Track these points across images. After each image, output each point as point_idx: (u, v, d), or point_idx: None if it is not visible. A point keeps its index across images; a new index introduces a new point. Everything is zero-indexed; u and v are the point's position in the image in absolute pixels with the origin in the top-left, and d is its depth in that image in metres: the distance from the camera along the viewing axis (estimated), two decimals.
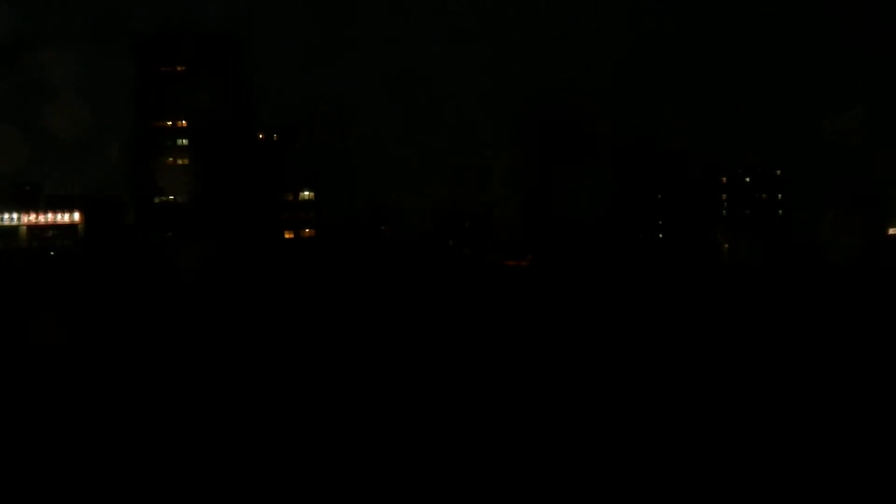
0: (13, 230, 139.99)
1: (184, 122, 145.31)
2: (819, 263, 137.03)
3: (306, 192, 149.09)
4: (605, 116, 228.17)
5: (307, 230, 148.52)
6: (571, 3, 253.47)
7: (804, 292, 70.50)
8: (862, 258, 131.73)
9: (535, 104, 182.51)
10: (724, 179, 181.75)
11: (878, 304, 47.66)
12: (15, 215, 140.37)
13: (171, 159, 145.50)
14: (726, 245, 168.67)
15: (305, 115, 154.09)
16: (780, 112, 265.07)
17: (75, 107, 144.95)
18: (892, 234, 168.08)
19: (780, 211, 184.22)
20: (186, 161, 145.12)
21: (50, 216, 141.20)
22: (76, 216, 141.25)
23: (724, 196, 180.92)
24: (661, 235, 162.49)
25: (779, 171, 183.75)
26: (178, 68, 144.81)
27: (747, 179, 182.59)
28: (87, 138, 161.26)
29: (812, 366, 26.62)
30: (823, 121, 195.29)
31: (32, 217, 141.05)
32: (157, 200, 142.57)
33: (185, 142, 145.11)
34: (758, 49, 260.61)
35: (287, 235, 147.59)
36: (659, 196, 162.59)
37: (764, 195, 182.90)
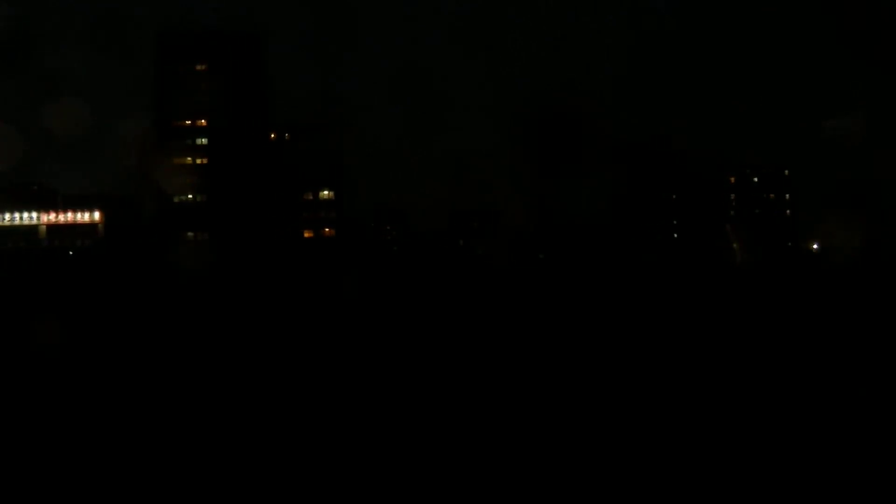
0: (33, 229, 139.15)
1: (203, 121, 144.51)
2: (820, 263, 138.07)
3: (325, 192, 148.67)
4: (614, 117, 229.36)
5: (327, 229, 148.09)
6: (576, 3, 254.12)
7: (809, 292, 70.96)
8: (863, 259, 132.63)
9: (542, 105, 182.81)
10: (733, 179, 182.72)
11: (879, 305, 48.11)
12: (34, 214, 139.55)
13: (189, 158, 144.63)
14: (736, 245, 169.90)
15: (309, 115, 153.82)
16: (781, 113, 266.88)
17: (84, 106, 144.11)
18: None
19: (788, 211, 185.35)
20: (206, 160, 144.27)
21: (70, 215, 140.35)
22: (96, 215, 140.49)
23: (732, 196, 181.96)
24: (676, 235, 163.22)
25: (786, 171, 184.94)
26: (198, 67, 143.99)
27: (755, 179, 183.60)
28: (96, 137, 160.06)
29: (819, 366, 26.80)
30: (824, 122, 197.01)
31: (52, 216, 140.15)
32: (176, 200, 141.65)
33: (204, 141, 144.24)
34: (759, 49, 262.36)
35: (307, 234, 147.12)
36: (674, 196, 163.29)
37: (772, 195, 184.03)
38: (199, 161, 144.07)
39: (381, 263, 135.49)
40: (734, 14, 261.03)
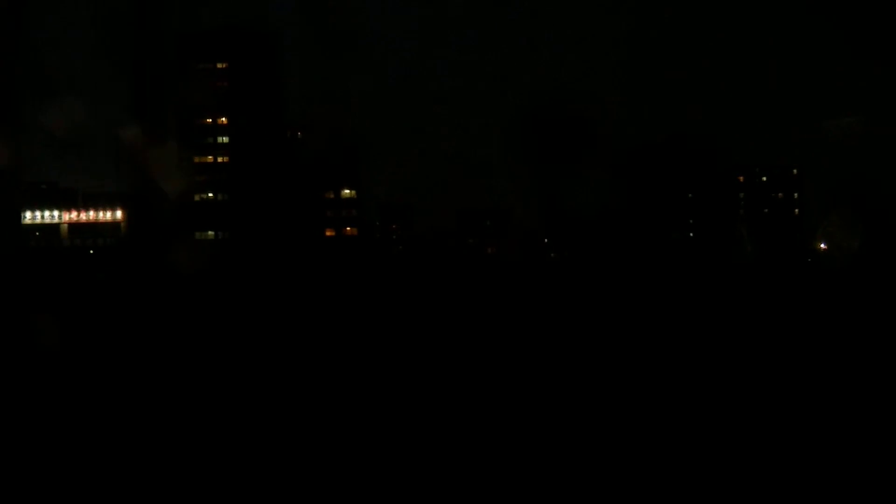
0: (54, 228, 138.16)
1: (223, 119, 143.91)
2: (828, 263, 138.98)
3: (347, 191, 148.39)
4: (622, 117, 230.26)
5: (348, 228, 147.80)
6: (583, 4, 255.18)
7: (819, 291, 71.52)
8: (871, 259, 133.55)
9: (551, 105, 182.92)
10: (742, 178, 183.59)
11: (881, 305, 48.54)
12: (56, 213, 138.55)
13: (210, 157, 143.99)
14: (748, 246, 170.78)
15: (316, 115, 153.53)
16: (785, 113, 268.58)
17: (93, 104, 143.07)
18: None
19: (797, 210, 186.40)
20: (226, 159, 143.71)
21: (91, 214, 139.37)
22: (118, 214, 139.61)
23: (741, 195, 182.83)
24: (691, 234, 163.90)
25: (795, 171, 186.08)
26: (217, 65, 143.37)
27: (764, 179, 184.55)
28: (107, 137, 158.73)
29: (831, 365, 27.06)
30: (827, 121, 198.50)
31: (74, 215, 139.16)
32: (196, 198, 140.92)
33: (225, 139, 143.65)
34: (763, 49, 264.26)
35: (328, 233, 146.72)
36: (689, 195, 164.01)
37: (780, 194, 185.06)
38: (219, 159, 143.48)
39: (401, 263, 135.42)
40: (738, 15, 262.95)
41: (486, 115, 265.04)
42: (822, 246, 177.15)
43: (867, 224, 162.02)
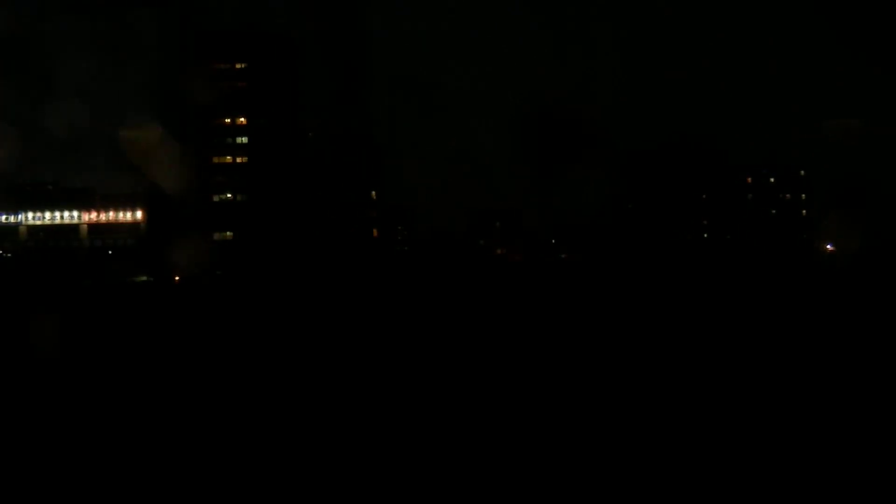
0: (73, 228, 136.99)
1: (243, 119, 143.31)
2: (828, 264, 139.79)
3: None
4: (629, 119, 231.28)
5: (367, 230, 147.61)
6: (588, 5, 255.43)
7: (832, 291, 72.04)
8: (880, 259, 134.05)
9: (557, 107, 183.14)
10: (750, 180, 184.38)
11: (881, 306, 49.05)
12: (75, 213, 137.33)
13: (229, 157, 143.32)
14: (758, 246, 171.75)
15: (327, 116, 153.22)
16: (788, 113, 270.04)
17: (106, 105, 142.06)
18: None
19: (804, 211, 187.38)
20: (245, 159, 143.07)
21: (111, 214, 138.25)
22: (138, 214, 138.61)
23: (749, 196, 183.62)
24: (705, 235, 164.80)
25: (802, 172, 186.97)
26: (238, 66, 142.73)
27: (772, 180, 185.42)
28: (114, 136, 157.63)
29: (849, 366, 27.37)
30: (825, 122, 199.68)
31: (93, 216, 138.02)
32: (216, 199, 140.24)
33: (244, 140, 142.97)
34: (766, 49, 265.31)
35: (346, 234, 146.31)
36: (703, 196, 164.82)
37: (788, 195, 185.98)
38: (239, 160, 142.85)
39: (417, 265, 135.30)
40: (738, 15, 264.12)
41: (493, 116, 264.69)
42: (829, 247, 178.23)
43: (868, 224, 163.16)
